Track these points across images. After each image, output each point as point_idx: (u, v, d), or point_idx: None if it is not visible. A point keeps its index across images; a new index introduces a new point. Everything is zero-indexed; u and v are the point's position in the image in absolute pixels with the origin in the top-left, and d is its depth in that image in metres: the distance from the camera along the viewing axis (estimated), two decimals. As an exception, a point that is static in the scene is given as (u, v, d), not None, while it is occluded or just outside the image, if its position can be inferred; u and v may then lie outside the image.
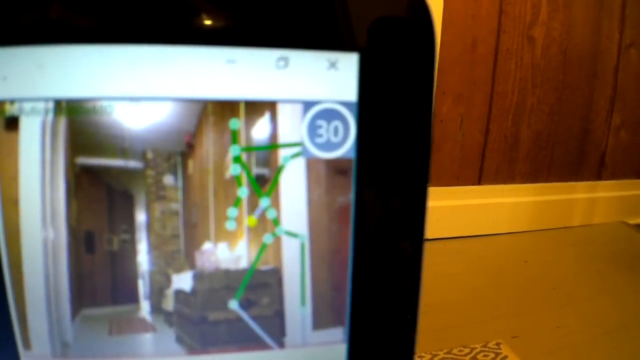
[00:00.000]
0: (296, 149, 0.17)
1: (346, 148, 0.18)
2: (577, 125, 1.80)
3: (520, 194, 1.84)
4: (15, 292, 0.16)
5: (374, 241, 0.17)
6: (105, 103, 0.16)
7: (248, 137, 0.17)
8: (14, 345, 0.16)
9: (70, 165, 0.16)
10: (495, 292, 1.18)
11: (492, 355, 1.14)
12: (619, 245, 1.84)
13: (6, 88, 0.14)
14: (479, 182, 1.83)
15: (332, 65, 0.17)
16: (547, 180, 1.83)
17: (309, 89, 0.17)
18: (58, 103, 0.15)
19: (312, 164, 0.17)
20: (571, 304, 1.46)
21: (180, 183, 0.17)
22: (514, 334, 1.30)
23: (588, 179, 1.80)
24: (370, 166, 0.18)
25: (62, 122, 0.15)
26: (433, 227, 1.84)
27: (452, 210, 1.81)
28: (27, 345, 0.16)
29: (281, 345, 0.17)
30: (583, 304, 1.47)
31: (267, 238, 0.17)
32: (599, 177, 1.82)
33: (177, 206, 0.17)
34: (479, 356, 1.14)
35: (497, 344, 1.18)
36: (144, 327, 0.17)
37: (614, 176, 1.85)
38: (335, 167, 0.17)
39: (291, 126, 0.17)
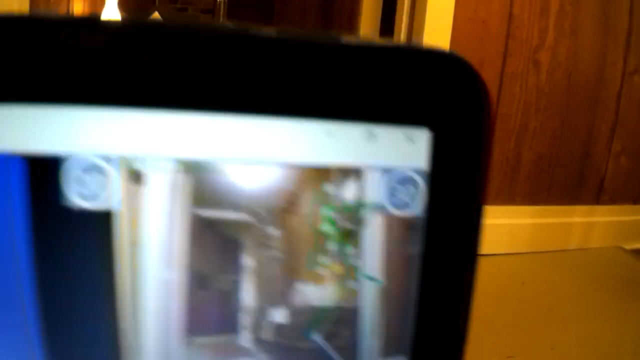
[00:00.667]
0: (376, 208, 0.21)
1: (417, 208, 0.21)
2: (578, 149, 1.85)
3: (519, 216, 1.88)
4: (129, 322, 0.19)
5: (435, 286, 0.21)
6: (222, 165, 0.19)
7: (337, 197, 0.21)
8: None
9: (190, 215, 0.19)
10: (492, 312, 1.21)
11: None
12: (615, 270, 1.88)
13: (137, 146, 0.18)
14: (479, 202, 1.87)
15: (408, 138, 0.21)
16: (546, 202, 1.87)
17: (389, 157, 0.21)
18: (183, 163, 0.19)
19: (388, 220, 0.21)
20: (566, 326, 1.50)
21: (280, 234, 0.20)
22: (510, 354, 1.34)
23: (587, 203, 1.84)
24: (436, 223, 0.22)
25: (185, 179, 0.18)
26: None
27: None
28: None
29: None
30: (578, 326, 1.51)
31: (349, 281, 0.21)
32: (597, 201, 1.86)
33: (277, 253, 0.21)
34: (478, 376, 1.18)
35: None
36: (244, 352, 0.21)
37: (612, 201, 1.89)
38: (407, 223, 0.21)
39: (373, 188, 0.21)
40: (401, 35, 1.71)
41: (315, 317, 0.19)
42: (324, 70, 0.18)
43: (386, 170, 0.19)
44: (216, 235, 0.19)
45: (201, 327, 0.19)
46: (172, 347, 0.19)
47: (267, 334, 0.19)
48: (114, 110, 0.17)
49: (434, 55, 0.19)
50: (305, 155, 0.18)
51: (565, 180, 1.83)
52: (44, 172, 0.17)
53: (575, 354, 1.38)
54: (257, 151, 0.18)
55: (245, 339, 0.19)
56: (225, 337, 0.19)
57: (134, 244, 0.18)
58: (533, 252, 1.85)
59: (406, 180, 0.19)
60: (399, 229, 0.20)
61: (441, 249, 0.20)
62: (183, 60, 0.17)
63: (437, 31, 1.53)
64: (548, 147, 1.75)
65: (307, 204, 0.19)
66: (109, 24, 0.17)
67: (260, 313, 0.19)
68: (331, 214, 0.19)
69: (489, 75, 1.63)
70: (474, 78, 0.19)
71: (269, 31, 0.18)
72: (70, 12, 1.95)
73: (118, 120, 0.17)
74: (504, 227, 1.79)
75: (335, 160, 0.19)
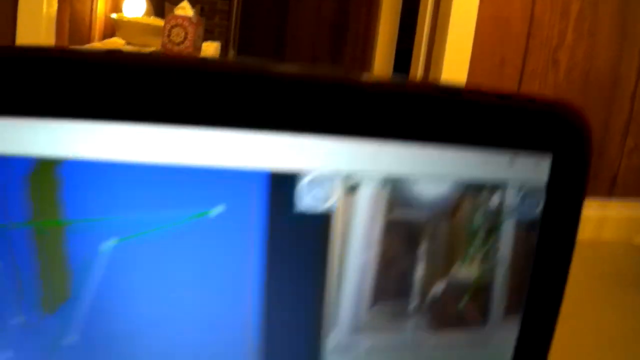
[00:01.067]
0: (511, 212, 0.29)
1: (537, 212, 0.29)
2: (593, 146, 1.93)
3: (534, 208, 1.97)
4: (332, 297, 0.27)
5: (544, 268, 0.29)
6: (412, 180, 0.27)
7: (486, 204, 0.29)
8: (319, 326, 0.28)
9: (384, 215, 0.27)
10: None
11: None
12: (625, 263, 1.97)
13: (356, 166, 0.25)
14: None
15: (537, 163, 0.29)
16: None
17: (524, 176, 0.29)
18: (386, 179, 0.26)
19: (517, 221, 0.29)
20: (576, 316, 1.59)
21: (446, 230, 0.29)
22: None
23: (599, 197, 1.93)
24: (549, 224, 0.30)
25: (384, 189, 0.26)
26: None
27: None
28: (332, 327, 0.28)
29: (485, 324, 0.29)
30: (588, 316, 1.60)
31: (488, 264, 0.29)
32: (610, 195, 1.94)
33: (442, 244, 0.29)
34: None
35: None
36: (412, 316, 0.29)
37: (624, 196, 1.97)
38: (530, 224, 0.29)
39: (510, 198, 0.29)
40: (424, 33, 1.78)
41: (467, 289, 0.28)
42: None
43: (521, 186, 0.27)
44: (401, 230, 0.27)
45: (383, 297, 0.27)
46: (361, 314, 0.27)
47: (429, 303, 0.27)
48: (342, 139, 0.25)
49: (554, 106, 0.27)
50: (470, 173, 0.26)
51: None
52: (286, 184, 0.25)
53: (586, 342, 1.46)
54: (439, 171, 0.26)
55: (412, 305, 0.27)
56: (400, 305, 0.27)
57: (344, 237, 0.26)
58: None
59: (532, 192, 0.28)
60: (525, 229, 0.28)
61: (551, 238, 0.28)
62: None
63: (461, 30, 1.60)
64: (564, 143, 1.83)
65: (466, 209, 0.27)
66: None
67: (426, 287, 0.27)
68: (481, 216, 0.27)
69: (509, 73, 1.71)
70: (582, 121, 0.27)
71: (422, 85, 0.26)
72: (95, 10, 2.03)
73: (344, 146, 0.25)
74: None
75: (495, 177, 0.27)
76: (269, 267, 0.25)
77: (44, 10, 1.42)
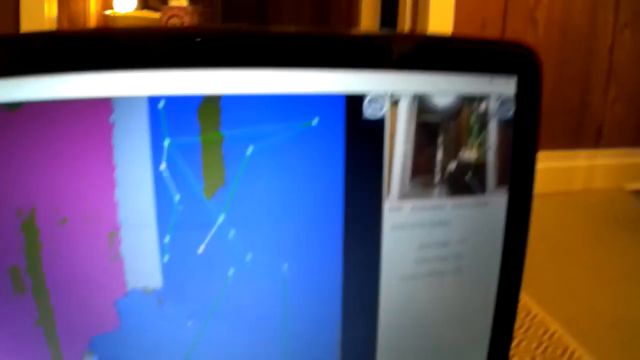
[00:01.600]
0: (494, 114, 0.49)
1: (510, 114, 0.49)
2: (576, 99, 2.11)
3: (525, 163, 2.15)
4: (389, 170, 0.45)
5: (519, 147, 0.49)
6: (432, 95, 0.46)
7: (478, 109, 0.48)
8: (379, 193, 0.47)
9: (415, 118, 0.45)
10: None
11: None
12: (617, 208, 2.12)
13: (396, 87, 0.43)
14: (488, 152, 2.15)
15: (508, 81, 0.48)
16: (550, 148, 2.15)
17: (500, 90, 0.48)
18: (415, 95, 0.45)
19: (497, 120, 0.48)
20: (574, 257, 1.75)
21: (454, 127, 0.47)
22: (526, 280, 1.56)
23: (587, 147, 2.12)
24: (519, 120, 0.49)
25: (415, 102, 0.44)
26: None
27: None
28: (387, 194, 0.47)
29: (484, 191, 0.48)
30: (584, 257, 1.76)
31: (482, 149, 0.48)
32: (597, 145, 2.13)
33: (452, 136, 0.47)
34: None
35: None
36: (434, 186, 0.48)
37: (611, 145, 2.16)
38: (506, 122, 0.49)
39: (493, 105, 0.48)
40: (406, 7, 1.96)
41: (470, 166, 0.47)
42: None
43: (499, 96, 0.47)
44: (426, 128, 0.46)
45: (418, 174, 0.46)
46: (404, 185, 0.46)
47: (447, 176, 0.46)
48: (387, 72, 0.44)
49: (516, 45, 0.46)
50: (465, 89, 0.45)
51: (565, 126, 2.10)
52: (356, 102, 0.44)
53: (584, 280, 1.61)
54: (446, 89, 0.45)
55: (436, 178, 0.46)
56: (429, 178, 0.46)
57: (392, 134, 0.45)
58: (539, 194, 2.11)
59: (506, 101, 0.47)
60: (504, 124, 0.48)
61: (522, 130, 0.47)
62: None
63: None
64: (548, 98, 2.01)
65: (466, 112, 0.46)
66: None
67: (444, 166, 0.46)
68: (475, 117, 0.47)
69: (491, 33, 1.89)
70: (534, 53, 0.46)
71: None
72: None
73: (388, 76, 0.44)
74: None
75: (483, 91, 0.46)
76: (347, 155, 0.44)
77: (46, 12, 1.59)
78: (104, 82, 0.35)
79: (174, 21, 1.72)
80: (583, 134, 2.01)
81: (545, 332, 1.13)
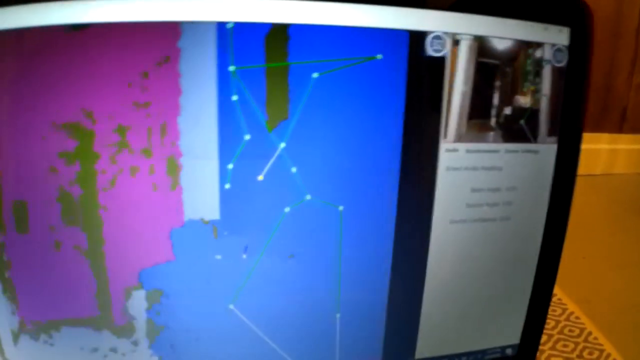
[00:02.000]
0: (548, 61, 0.49)
1: (564, 62, 0.49)
2: (600, 82, 2.11)
3: (548, 145, 2.16)
4: (446, 109, 0.46)
5: (572, 96, 0.50)
6: (492, 37, 0.47)
7: (533, 55, 0.49)
8: (437, 134, 0.48)
9: (475, 58, 0.46)
10: None
11: None
12: (637, 193, 2.14)
13: (457, 27, 0.44)
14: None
15: (561, 31, 0.49)
16: None
17: (555, 39, 0.48)
18: (475, 37, 0.46)
19: (552, 67, 0.49)
20: (594, 240, 1.75)
21: (511, 70, 0.48)
22: None
23: (611, 131, 2.12)
24: (572, 70, 0.50)
25: (475, 42, 0.45)
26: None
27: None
28: (444, 135, 0.48)
29: (536, 137, 0.49)
30: (604, 240, 1.75)
31: (537, 95, 0.49)
32: (621, 130, 2.13)
33: (509, 79, 0.48)
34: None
35: None
36: (491, 129, 0.49)
37: (634, 130, 2.16)
38: (560, 69, 0.49)
39: (548, 53, 0.49)
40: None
41: (524, 111, 0.48)
42: None
43: (552, 45, 0.48)
44: (485, 70, 0.47)
45: (475, 115, 0.47)
46: (461, 126, 0.47)
47: (502, 120, 0.47)
48: (450, 13, 0.45)
49: None
50: (523, 35, 0.46)
51: (589, 110, 2.10)
52: (418, 39, 0.45)
53: (603, 262, 1.61)
54: (505, 33, 0.46)
55: (492, 122, 0.47)
56: (485, 121, 0.47)
57: (452, 74, 0.46)
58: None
59: (560, 49, 0.48)
60: (557, 73, 0.48)
61: (574, 80, 0.48)
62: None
63: None
64: (573, 80, 2.02)
65: (522, 57, 0.47)
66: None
67: (500, 109, 0.47)
68: (531, 63, 0.47)
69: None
70: (587, 7, 0.47)
71: None
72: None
73: (451, 16, 0.45)
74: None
75: (538, 38, 0.47)
76: (408, 92, 0.45)
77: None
78: (174, 6, 0.36)
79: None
80: (606, 118, 2.01)
81: (562, 312, 1.14)
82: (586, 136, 1.48)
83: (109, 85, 0.37)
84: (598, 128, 2.05)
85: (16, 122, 0.35)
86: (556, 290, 1.28)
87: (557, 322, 1.07)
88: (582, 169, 1.52)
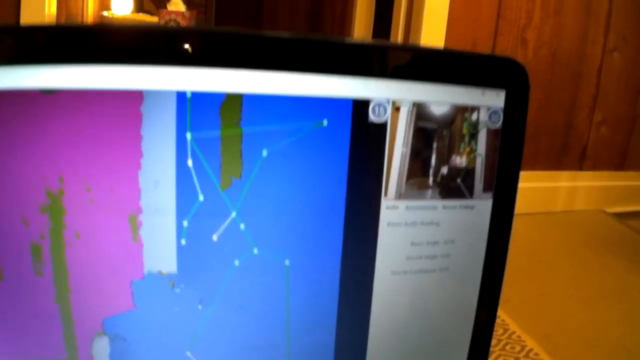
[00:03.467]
0: (484, 124, 0.55)
1: (499, 124, 0.55)
2: (562, 119, 2.19)
3: (509, 181, 2.23)
4: (388, 170, 0.51)
5: (506, 155, 0.55)
6: (430, 103, 0.52)
7: (470, 118, 0.54)
8: (379, 192, 0.52)
9: (414, 123, 0.51)
10: None
11: None
12: (598, 230, 2.17)
13: (399, 95, 0.50)
14: (473, 169, 2.22)
15: (497, 94, 0.54)
16: (533, 168, 2.22)
17: (491, 102, 0.54)
18: (415, 103, 0.51)
19: (487, 129, 0.55)
20: (554, 277, 1.79)
21: (448, 133, 0.54)
22: (505, 298, 1.58)
23: (571, 169, 2.19)
24: (507, 131, 0.55)
25: (414, 109, 0.50)
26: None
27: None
28: (385, 193, 0.53)
29: (472, 194, 0.54)
30: (565, 277, 1.78)
31: (472, 155, 0.55)
32: (580, 167, 2.20)
33: (446, 141, 0.54)
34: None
35: None
36: (429, 187, 0.54)
37: (594, 167, 2.23)
38: (496, 130, 0.55)
39: (483, 116, 0.54)
40: (400, 22, 2.03)
41: (461, 170, 0.53)
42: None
43: (489, 108, 0.53)
44: (423, 134, 0.52)
45: (414, 175, 0.52)
46: (401, 185, 0.52)
47: (439, 179, 0.52)
48: (391, 81, 0.50)
49: (506, 59, 0.52)
50: (460, 100, 0.52)
51: (550, 147, 2.17)
52: (361, 107, 0.50)
53: (563, 300, 1.64)
54: (443, 99, 0.51)
55: (430, 180, 0.52)
56: (423, 180, 0.52)
57: (393, 138, 0.51)
58: (521, 214, 2.18)
59: (495, 112, 0.53)
60: (492, 134, 0.54)
61: (509, 140, 0.54)
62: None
63: (435, 16, 1.85)
64: (534, 117, 2.09)
65: (459, 121, 0.52)
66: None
67: (437, 169, 0.52)
68: (467, 126, 0.53)
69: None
70: (523, 69, 0.52)
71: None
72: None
73: (392, 84, 0.50)
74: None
75: (474, 103, 0.52)
76: (352, 155, 0.49)
77: (46, 11, 1.64)
78: (138, 75, 0.40)
79: (171, 25, 1.78)
80: (567, 156, 2.08)
81: (522, 349, 1.18)
82: (546, 174, 1.56)
83: (77, 147, 0.41)
84: (558, 166, 2.12)
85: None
86: (514, 327, 1.32)
87: (517, 358, 1.12)
88: (541, 207, 1.60)
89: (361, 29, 2.70)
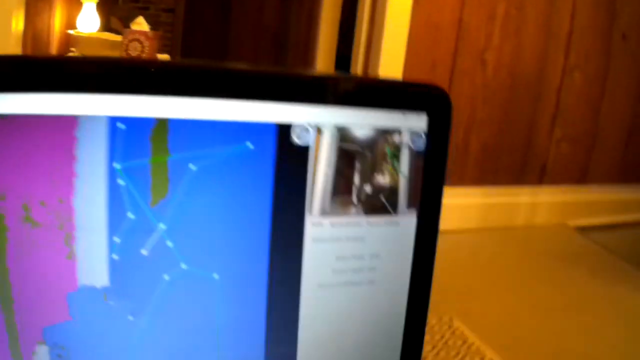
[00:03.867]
0: (407, 146, 0.58)
1: (422, 147, 0.58)
2: (522, 137, 2.23)
3: (468, 195, 2.27)
4: (312, 189, 0.54)
5: (429, 177, 0.58)
6: (354, 126, 0.55)
7: (393, 140, 0.57)
8: (303, 210, 0.55)
9: (337, 145, 0.54)
10: (447, 279, 1.34)
11: (446, 327, 1.48)
12: (560, 244, 2.21)
13: (320, 119, 0.53)
14: (435, 186, 2.26)
15: (419, 117, 0.58)
16: (493, 184, 2.27)
17: (413, 125, 0.57)
18: (336, 126, 0.54)
19: (410, 151, 0.58)
20: (514, 290, 1.83)
21: (371, 155, 0.57)
22: (465, 312, 1.56)
23: (531, 184, 2.23)
24: (429, 153, 0.58)
25: (336, 132, 0.53)
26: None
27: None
28: (310, 211, 0.56)
29: (396, 211, 0.57)
30: (525, 290, 1.83)
31: (395, 174, 0.58)
32: (540, 182, 2.25)
33: (369, 162, 0.57)
34: (435, 327, 1.49)
35: (450, 318, 1.47)
36: (353, 205, 0.57)
37: (554, 182, 2.28)
38: (418, 152, 0.58)
39: (406, 138, 0.57)
40: (361, 39, 2.07)
41: (384, 189, 0.56)
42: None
43: (411, 130, 0.56)
44: (346, 155, 0.55)
45: (337, 194, 0.55)
46: (326, 203, 0.55)
47: (363, 197, 0.56)
48: (313, 106, 0.53)
49: (429, 85, 0.56)
50: (382, 123, 0.55)
51: (510, 164, 2.21)
52: (285, 130, 0.53)
53: (523, 312, 1.66)
54: (365, 122, 0.55)
55: (354, 198, 0.55)
56: (347, 198, 0.55)
57: (316, 159, 0.54)
58: (482, 228, 2.22)
59: (417, 134, 0.56)
60: (415, 155, 0.57)
61: (432, 160, 0.57)
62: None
63: (395, 36, 1.90)
64: (494, 136, 2.14)
65: (382, 143, 0.56)
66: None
67: (361, 188, 0.56)
68: (390, 147, 0.56)
69: (440, 73, 2.01)
70: (447, 97, 0.56)
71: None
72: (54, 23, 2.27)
73: (314, 109, 0.53)
74: (455, 206, 2.17)
75: (396, 125, 0.55)
76: (276, 176, 0.52)
77: (13, 28, 1.67)
78: (72, 101, 0.43)
79: (135, 45, 1.81)
80: (527, 172, 2.13)
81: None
82: (506, 190, 1.60)
83: (18, 167, 0.44)
84: (519, 181, 2.16)
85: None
86: (474, 338, 1.35)
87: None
88: (502, 222, 1.64)
89: (325, 46, 2.75)
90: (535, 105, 2.02)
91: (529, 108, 2.02)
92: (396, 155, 0.50)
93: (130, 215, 0.45)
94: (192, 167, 0.46)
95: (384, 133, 0.49)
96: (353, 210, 0.50)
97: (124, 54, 1.81)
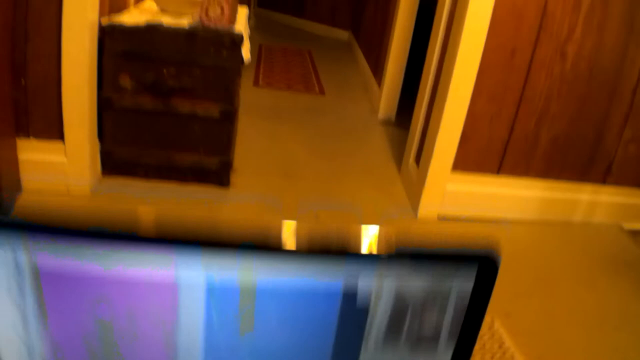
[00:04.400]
0: (455, 303, 0.61)
1: (466, 303, 0.61)
2: (592, 134, 2.21)
3: (532, 188, 2.27)
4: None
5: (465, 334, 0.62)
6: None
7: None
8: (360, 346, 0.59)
9: (392, 308, 0.58)
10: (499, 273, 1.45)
11: (487, 328, 1.50)
12: (612, 248, 2.21)
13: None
14: (498, 172, 2.26)
15: (470, 276, 0.60)
16: (558, 178, 2.26)
17: (457, 286, 0.60)
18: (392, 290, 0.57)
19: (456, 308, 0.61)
20: (558, 293, 1.85)
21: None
22: (507, 313, 1.60)
23: (594, 182, 2.22)
24: (470, 310, 0.61)
25: (391, 294, 0.58)
26: (453, 207, 2.30)
27: (472, 194, 2.26)
28: (365, 347, 0.60)
29: (435, 349, 0.61)
30: (568, 295, 1.83)
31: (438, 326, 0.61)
32: (604, 182, 2.24)
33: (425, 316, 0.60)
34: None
35: (492, 319, 1.50)
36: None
37: (617, 183, 2.26)
38: (461, 309, 0.61)
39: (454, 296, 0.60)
40: (443, 15, 2.05)
41: (427, 336, 0.59)
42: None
43: (458, 292, 0.59)
44: (400, 310, 0.58)
45: (391, 335, 0.58)
46: (379, 342, 0.58)
47: (411, 339, 0.59)
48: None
49: (482, 252, 0.57)
50: (435, 286, 0.57)
51: (576, 160, 2.20)
52: (351, 292, 0.56)
53: (562, 321, 1.63)
54: (420, 285, 0.57)
55: (402, 339, 0.58)
56: (396, 337, 0.58)
57: (373, 315, 0.57)
58: (538, 222, 2.23)
59: (463, 295, 0.59)
60: (459, 310, 0.59)
61: (470, 316, 0.59)
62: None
63: (478, 16, 1.87)
64: (565, 129, 2.12)
65: (431, 300, 0.58)
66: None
67: (409, 332, 0.58)
68: (438, 304, 0.59)
69: (519, 62, 1.98)
70: (493, 260, 0.58)
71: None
72: None
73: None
74: (517, 197, 2.17)
75: (445, 288, 0.58)
76: (339, 324, 0.56)
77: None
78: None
79: (214, 8, 1.82)
80: (592, 170, 2.11)
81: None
82: (569, 185, 1.61)
83: (130, 308, 0.49)
84: (583, 178, 2.15)
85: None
86: (510, 343, 1.39)
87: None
88: (560, 216, 1.66)
89: (403, 21, 2.72)
90: (608, 104, 1.99)
91: (602, 106, 1.99)
92: (442, 310, 0.53)
93: (220, 342, 0.50)
94: (273, 309, 0.50)
95: (434, 293, 0.52)
96: (401, 345, 0.54)
97: (203, 14, 1.82)
